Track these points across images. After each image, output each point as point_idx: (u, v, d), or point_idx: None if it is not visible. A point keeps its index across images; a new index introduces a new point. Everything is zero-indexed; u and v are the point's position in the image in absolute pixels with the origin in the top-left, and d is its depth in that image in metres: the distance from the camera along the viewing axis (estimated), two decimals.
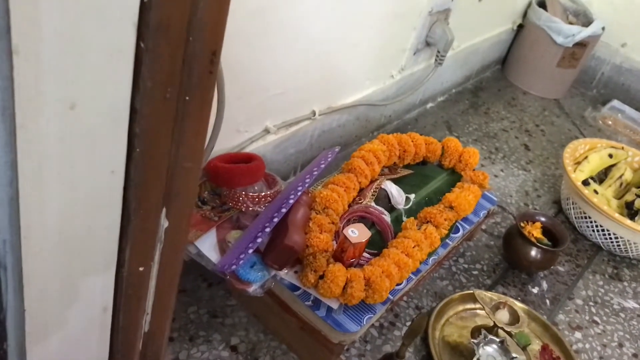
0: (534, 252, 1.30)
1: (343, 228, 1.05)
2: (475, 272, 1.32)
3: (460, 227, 1.21)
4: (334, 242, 1.03)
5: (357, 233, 0.97)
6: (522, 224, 1.33)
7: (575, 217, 1.51)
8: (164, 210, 0.50)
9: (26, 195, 0.37)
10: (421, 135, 1.33)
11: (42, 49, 0.32)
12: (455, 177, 1.32)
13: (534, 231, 1.33)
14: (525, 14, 2.08)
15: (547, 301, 1.31)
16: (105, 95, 0.38)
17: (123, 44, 0.37)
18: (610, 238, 1.43)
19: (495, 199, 1.33)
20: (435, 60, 1.61)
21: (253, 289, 0.96)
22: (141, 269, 0.52)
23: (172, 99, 0.43)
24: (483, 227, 1.44)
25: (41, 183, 0.38)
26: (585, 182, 1.50)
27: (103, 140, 0.40)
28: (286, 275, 0.99)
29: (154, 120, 0.43)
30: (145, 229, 0.49)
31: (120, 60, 0.37)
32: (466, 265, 1.33)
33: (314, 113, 1.33)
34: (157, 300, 0.58)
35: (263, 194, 1.06)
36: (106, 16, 0.35)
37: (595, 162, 1.59)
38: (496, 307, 1.12)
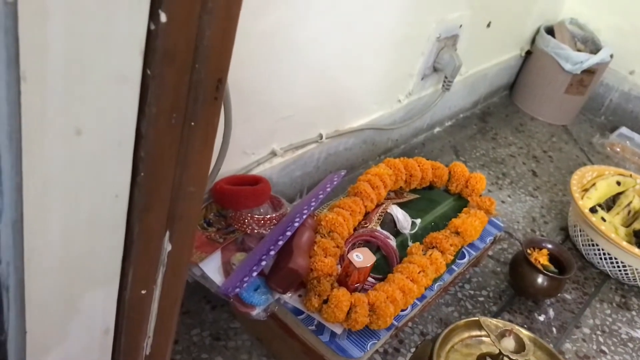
0: (540, 279, 1.29)
1: (348, 252, 1.05)
2: (481, 299, 1.31)
3: (466, 253, 1.21)
4: (339, 266, 1.03)
5: (362, 257, 0.97)
6: (528, 251, 1.33)
7: (583, 245, 1.50)
8: (167, 233, 0.51)
9: (30, 219, 0.38)
10: (428, 159, 1.33)
11: (49, 76, 0.33)
12: (461, 202, 1.31)
13: (541, 258, 1.32)
14: (533, 41, 2.09)
15: (554, 329, 1.29)
16: (111, 121, 0.38)
17: (129, 71, 0.37)
18: (618, 266, 1.42)
19: (501, 225, 1.32)
20: (443, 85, 1.62)
21: (256, 312, 0.95)
22: (143, 292, 0.52)
23: (178, 124, 0.43)
24: (489, 253, 1.43)
25: (45, 207, 0.38)
26: (593, 210, 1.49)
27: (108, 164, 0.40)
28: (290, 299, 0.99)
29: (159, 145, 0.43)
30: (148, 252, 0.50)
31: (127, 86, 0.38)
32: (472, 292, 1.32)
33: (321, 136, 1.34)
34: (159, 323, 0.58)
35: (268, 216, 1.06)
36: (113, 43, 0.35)
37: (603, 190, 1.59)
38: (502, 335, 1.11)
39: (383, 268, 1.09)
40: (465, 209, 1.26)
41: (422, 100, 1.63)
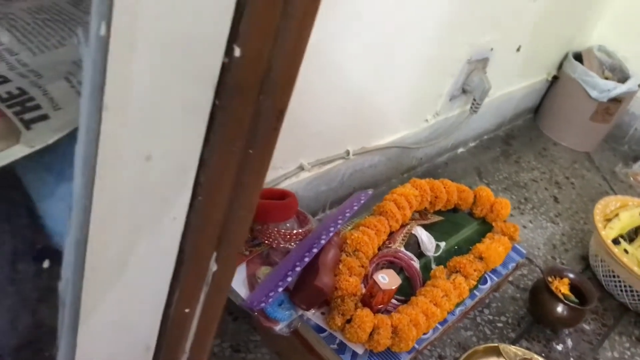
0: (560, 309, 1.28)
1: (372, 272, 1.05)
2: (499, 325, 1.31)
3: (488, 278, 1.21)
4: (363, 285, 1.03)
5: (388, 279, 0.97)
6: (549, 279, 1.32)
7: (603, 275, 1.49)
8: (214, 254, 0.51)
9: (94, 239, 0.39)
10: (451, 180, 1.33)
11: (128, 105, 0.34)
12: (485, 227, 1.31)
13: (562, 287, 1.31)
14: (560, 66, 2.09)
15: None
16: (178, 148, 0.39)
17: (200, 101, 0.38)
18: (639, 299, 1.41)
19: (524, 251, 1.32)
20: (471, 107, 1.62)
21: (280, 327, 0.96)
22: (187, 310, 0.52)
23: (237, 151, 0.44)
24: (510, 278, 1.42)
25: (109, 228, 0.39)
26: (616, 241, 1.48)
27: (171, 188, 0.41)
28: (313, 315, 0.99)
29: (219, 171, 0.44)
30: (195, 272, 0.50)
31: (197, 116, 0.38)
32: (491, 317, 1.32)
33: (348, 153, 1.35)
34: (197, 340, 0.58)
35: (295, 231, 1.07)
36: (189, 76, 0.36)
37: (626, 220, 1.58)
38: None
39: (406, 290, 1.09)
40: (489, 234, 1.26)
41: (448, 120, 1.64)
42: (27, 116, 0.38)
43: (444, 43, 1.39)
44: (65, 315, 0.42)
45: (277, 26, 0.38)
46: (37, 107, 0.39)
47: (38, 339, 0.50)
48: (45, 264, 0.43)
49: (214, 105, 0.39)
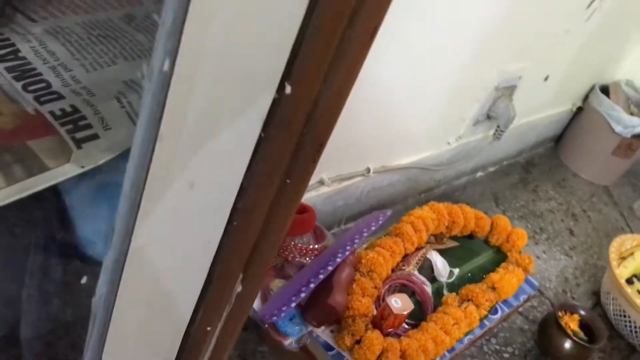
0: (568, 345, 1.28)
1: (385, 294, 1.06)
2: (506, 355, 1.30)
3: (499, 308, 1.20)
4: (374, 306, 1.03)
5: (401, 304, 0.97)
6: (560, 314, 1.31)
7: (614, 314, 1.48)
8: (241, 276, 0.52)
9: (132, 259, 0.39)
10: (468, 204, 1.33)
11: (180, 136, 0.34)
12: (500, 256, 1.31)
13: (572, 323, 1.31)
14: (586, 97, 2.08)
15: None
16: (221, 177, 0.40)
17: (248, 134, 0.38)
18: None
19: (536, 284, 1.32)
20: (494, 134, 1.62)
21: (289, 342, 0.96)
22: (209, 328, 0.53)
23: (276, 180, 0.44)
24: (519, 309, 1.42)
25: (147, 249, 0.40)
26: (629, 281, 1.47)
27: (209, 214, 0.42)
28: (322, 333, 1.00)
29: (256, 199, 0.44)
30: (221, 292, 0.51)
31: (242, 147, 0.39)
32: (498, 347, 1.31)
33: (368, 170, 1.35)
34: (213, 356, 0.59)
35: (311, 246, 1.07)
36: (241, 111, 0.37)
37: None
38: None
39: (417, 314, 1.09)
40: (503, 264, 1.26)
41: (470, 144, 1.64)
42: (79, 135, 0.39)
43: (473, 69, 1.39)
44: (94, 327, 0.43)
45: (329, 67, 0.38)
46: (89, 126, 0.40)
47: (64, 346, 0.51)
48: (83, 280, 0.44)
49: (259, 138, 0.40)
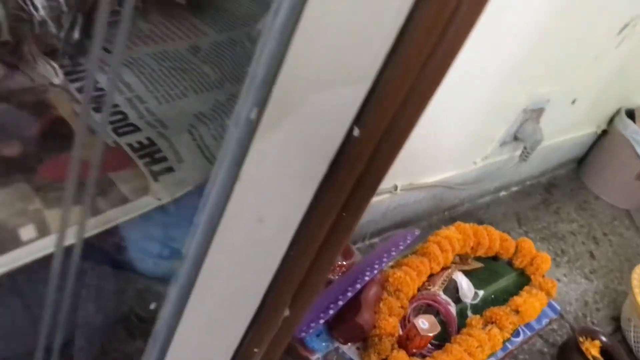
0: None
1: (410, 314, 1.07)
2: None
3: (521, 331, 1.21)
4: (400, 325, 1.05)
5: (427, 325, 0.98)
6: (581, 339, 1.32)
7: (635, 341, 1.48)
8: (290, 301, 0.54)
9: (200, 285, 0.41)
10: (491, 224, 1.34)
11: (257, 177, 0.36)
12: (523, 279, 1.32)
13: (592, 349, 1.31)
14: (611, 121, 2.08)
15: None
16: (287, 212, 0.42)
17: (314, 173, 0.40)
18: None
19: (558, 308, 1.32)
20: (521, 155, 1.63)
21: (316, 357, 0.98)
22: (256, 350, 0.55)
23: (333, 214, 0.46)
24: (540, 332, 1.42)
25: (214, 276, 0.42)
26: None
27: (271, 245, 0.43)
28: (349, 350, 1.01)
29: (313, 230, 0.46)
30: (271, 317, 0.53)
31: (308, 185, 0.41)
32: None
33: (395, 187, 1.37)
34: None
35: (339, 263, 1.09)
36: (311, 152, 0.38)
37: None
38: None
39: (441, 334, 1.10)
40: (526, 288, 1.27)
41: (496, 165, 1.65)
42: (155, 168, 0.41)
43: (503, 91, 1.40)
44: (155, 347, 0.45)
45: (394, 115, 0.40)
46: (164, 159, 0.41)
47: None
48: (152, 305, 0.46)
49: (324, 176, 0.42)
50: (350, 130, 0.40)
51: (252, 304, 0.49)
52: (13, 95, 0.41)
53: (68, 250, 0.32)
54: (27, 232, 0.35)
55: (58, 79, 0.42)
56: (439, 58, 0.39)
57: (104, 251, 0.57)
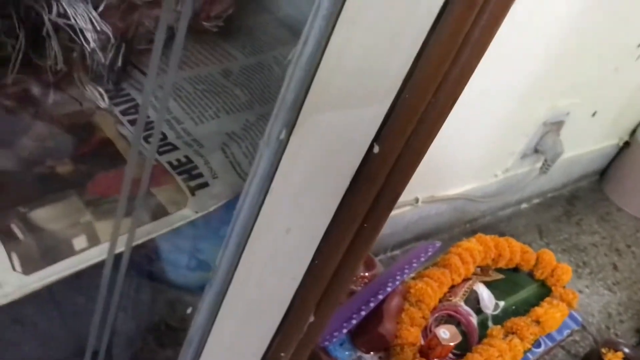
0: None
1: (432, 324, 1.09)
2: None
3: (542, 342, 1.22)
4: (421, 335, 1.07)
5: (448, 335, 1.01)
6: (603, 350, 1.32)
7: None
8: (314, 308, 0.57)
9: (231, 294, 0.45)
10: (512, 236, 1.36)
11: (285, 191, 0.40)
12: (544, 290, 1.33)
13: None
14: (633, 132, 2.08)
15: None
16: (312, 223, 0.45)
17: (338, 187, 0.44)
18: None
19: (580, 319, 1.33)
20: (541, 168, 1.64)
21: None
22: (282, 354, 0.58)
23: (355, 225, 0.49)
24: (561, 343, 1.43)
25: (244, 285, 0.45)
26: None
27: (298, 254, 0.47)
28: (371, 359, 1.03)
29: (336, 240, 0.49)
30: (297, 322, 0.56)
31: (332, 198, 0.44)
32: None
33: (417, 200, 1.39)
34: None
35: (361, 274, 1.12)
36: (335, 168, 0.42)
37: None
38: None
39: (462, 345, 1.12)
40: (547, 299, 1.28)
41: (517, 177, 1.66)
42: (192, 183, 0.45)
43: (523, 104, 1.42)
44: (189, 352, 0.48)
45: (412, 132, 0.43)
46: (200, 175, 0.45)
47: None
48: (188, 310, 0.49)
49: (346, 190, 0.45)
50: (371, 147, 0.43)
51: (280, 311, 0.52)
52: (65, 118, 0.45)
53: (117, 258, 0.36)
54: (79, 242, 0.39)
55: (104, 102, 0.47)
56: (453, 79, 0.42)
57: (138, 262, 0.61)
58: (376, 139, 0.43)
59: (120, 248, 0.37)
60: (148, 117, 0.48)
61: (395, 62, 0.37)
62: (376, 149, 0.43)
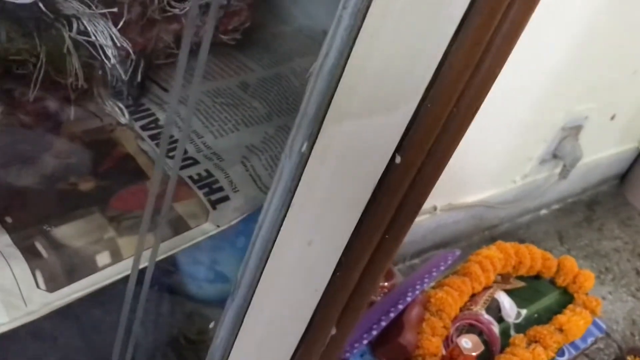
0: None
1: (453, 334, 1.08)
2: None
3: (566, 350, 1.20)
4: (443, 345, 1.06)
5: (470, 345, 0.99)
6: (629, 358, 1.30)
7: None
8: (336, 320, 0.56)
9: (253, 307, 0.44)
10: (532, 242, 1.35)
11: (307, 203, 0.40)
12: (566, 297, 1.31)
13: None
14: None
15: None
16: (334, 235, 0.45)
17: (358, 200, 0.43)
18: None
19: (603, 326, 1.31)
20: (560, 173, 1.63)
21: None
22: None
23: (377, 237, 0.49)
24: (586, 352, 1.40)
25: (266, 297, 0.45)
26: None
27: (320, 267, 0.46)
28: None
29: (358, 252, 0.49)
30: (319, 335, 0.55)
31: (354, 210, 0.44)
32: None
33: (435, 208, 1.38)
34: None
35: (380, 284, 1.11)
36: (357, 179, 0.41)
37: None
38: None
39: (484, 354, 1.11)
40: (570, 306, 1.26)
41: (536, 183, 1.64)
42: (213, 197, 0.45)
43: (540, 109, 1.41)
44: None
45: (434, 142, 0.43)
46: (221, 189, 0.45)
47: None
48: (211, 324, 0.49)
49: (368, 201, 0.45)
50: (393, 158, 0.43)
51: (302, 323, 0.52)
52: (86, 134, 0.45)
53: (140, 273, 0.36)
54: (102, 258, 0.39)
55: (124, 118, 0.47)
56: (475, 88, 0.41)
57: (158, 276, 0.61)
58: (398, 149, 0.42)
59: (143, 263, 0.37)
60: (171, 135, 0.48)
61: (417, 72, 0.37)
62: (398, 160, 0.43)
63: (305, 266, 0.45)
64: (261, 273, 0.42)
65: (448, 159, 0.46)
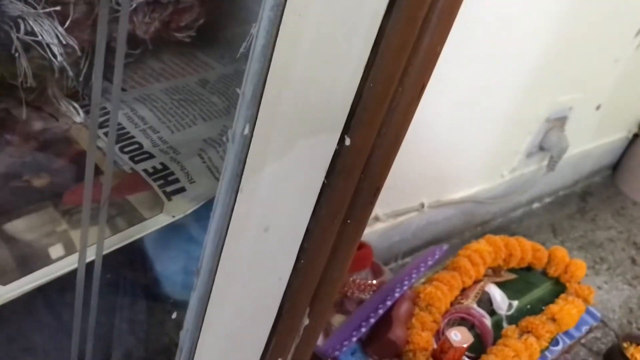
0: None
1: (444, 328, 1.08)
2: None
3: (560, 340, 1.20)
4: (434, 340, 1.06)
5: (460, 337, 0.99)
6: (625, 345, 1.29)
7: None
8: (308, 310, 0.57)
9: (215, 297, 0.45)
10: (525, 236, 1.35)
11: (257, 188, 0.40)
12: (559, 287, 1.31)
13: (638, 354, 1.28)
14: None
15: None
16: (291, 220, 0.45)
17: (314, 182, 0.44)
18: None
19: (598, 315, 1.30)
20: (548, 165, 1.63)
21: None
22: (280, 359, 0.58)
23: (337, 222, 0.49)
24: (582, 341, 1.40)
25: (227, 287, 0.45)
26: None
27: (280, 254, 0.47)
28: None
29: (320, 239, 0.49)
30: (290, 326, 0.56)
31: (309, 194, 0.44)
32: None
33: (422, 205, 1.38)
34: None
35: (369, 282, 1.11)
36: (308, 163, 0.42)
37: None
38: None
39: (476, 347, 1.11)
40: (562, 296, 1.26)
41: (524, 176, 1.65)
42: (169, 189, 0.45)
43: (524, 102, 1.42)
44: (181, 357, 0.48)
45: (382, 121, 0.43)
46: (176, 180, 0.46)
47: None
48: (174, 315, 0.49)
49: (323, 185, 0.45)
50: (342, 140, 0.43)
51: (270, 314, 0.52)
52: (41, 133, 0.46)
53: (92, 263, 0.37)
54: (56, 250, 0.39)
55: (79, 117, 0.47)
56: (418, 66, 0.42)
57: (130, 275, 0.61)
58: (346, 130, 0.43)
59: (93, 256, 0.37)
60: (125, 128, 0.49)
61: (354, 51, 0.37)
62: (348, 142, 0.43)
63: (265, 253, 0.46)
64: (218, 260, 0.42)
65: (401, 140, 0.47)
